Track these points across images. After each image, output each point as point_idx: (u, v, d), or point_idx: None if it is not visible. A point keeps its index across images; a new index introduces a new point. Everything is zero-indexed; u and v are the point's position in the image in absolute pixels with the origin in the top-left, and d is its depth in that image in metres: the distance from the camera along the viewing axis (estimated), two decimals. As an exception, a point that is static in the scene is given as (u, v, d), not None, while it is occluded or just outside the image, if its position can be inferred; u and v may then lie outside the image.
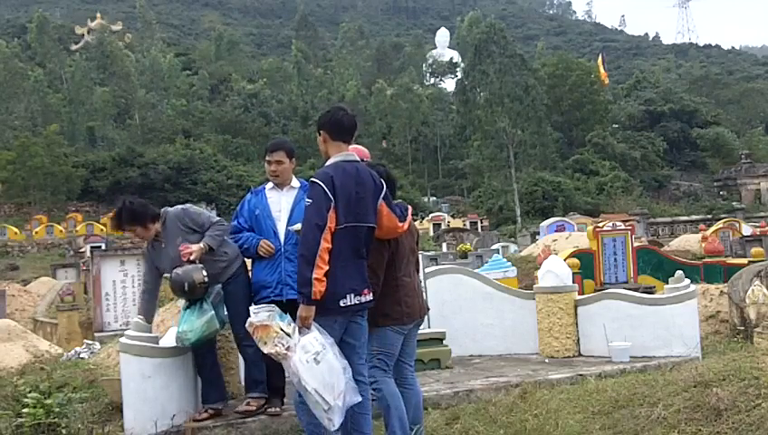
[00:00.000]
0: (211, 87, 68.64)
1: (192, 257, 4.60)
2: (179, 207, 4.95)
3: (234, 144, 57.40)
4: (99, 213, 47.23)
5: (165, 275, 4.91)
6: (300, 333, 3.69)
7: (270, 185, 4.95)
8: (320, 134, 4.00)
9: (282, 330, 3.70)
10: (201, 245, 4.67)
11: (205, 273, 4.60)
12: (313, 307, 3.65)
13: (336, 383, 3.65)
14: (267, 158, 4.87)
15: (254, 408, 4.75)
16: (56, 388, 5.38)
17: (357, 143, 4.28)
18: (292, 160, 4.90)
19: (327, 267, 3.66)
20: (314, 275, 3.60)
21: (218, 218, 4.90)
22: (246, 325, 3.80)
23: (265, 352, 3.73)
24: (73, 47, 77.67)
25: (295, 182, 4.93)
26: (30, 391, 4.93)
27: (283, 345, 3.66)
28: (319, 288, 3.62)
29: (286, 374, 3.80)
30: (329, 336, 3.71)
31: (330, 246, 3.67)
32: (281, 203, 4.85)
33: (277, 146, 4.93)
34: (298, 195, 4.83)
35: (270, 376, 4.91)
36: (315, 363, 3.62)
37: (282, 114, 63.13)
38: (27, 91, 58.05)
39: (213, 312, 4.71)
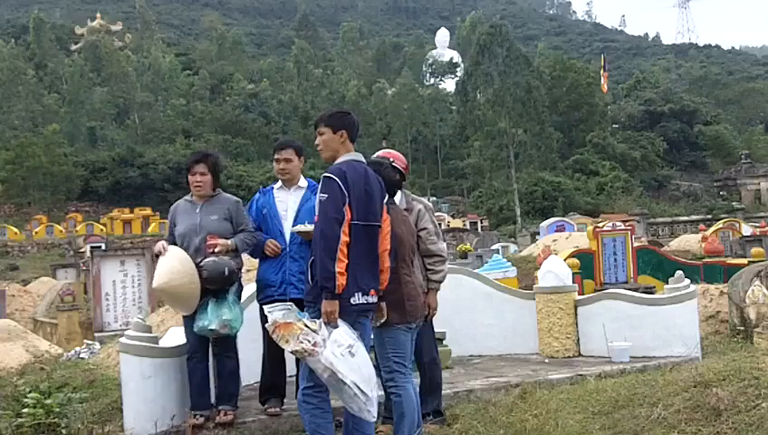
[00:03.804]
0: (211, 87, 68.63)
1: (216, 250, 4.62)
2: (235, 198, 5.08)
3: (234, 144, 57.41)
4: (99, 213, 47.29)
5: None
6: (326, 328, 3.65)
7: (278, 184, 4.97)
8: (330, 133, 3.97)
9: (306, 326, 3.65)
10: (229, 242, 4.69)
11: (235, 262, 4.67)
12: (337, 301, 3.63)
13: (371, 375, 3.67)
14: (276, 156, 4.88)
15: (232, 417, 4.69)
16: (56, 388, 5.38)
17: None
18: (300, 159, 4.92)
19: (347, 261, 3.66)
20: (336, 269, 3.61)
21: (255, 230, 4.88)
22: (267, 325, 3.76)
23: (288, 350, 3.67)
24: (73, 47, 77.72)
25: (303, 182, 4.94)
26: (30, 391, 4.93)
27: (309, 342, 3.58)
28: (341, 281, 3.62)
29: (318, 370, 3.71)
30: (354, 330, 3.71)
31: (348, 239, 3.69)
32: (288, 202, 4.87)
33: (286, 144, 4.96)
34: (305, 195, 4.85)
35: (271, 376, 4.90)
36: (351, 356, 3.59)
37: (282, 114, 63.13)
38: (26, 91, 58.08)
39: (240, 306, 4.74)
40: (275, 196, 4.93)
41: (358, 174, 3.85)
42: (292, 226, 4.73)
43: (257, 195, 5.06)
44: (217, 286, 4.61)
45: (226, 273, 4.59)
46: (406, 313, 4.18)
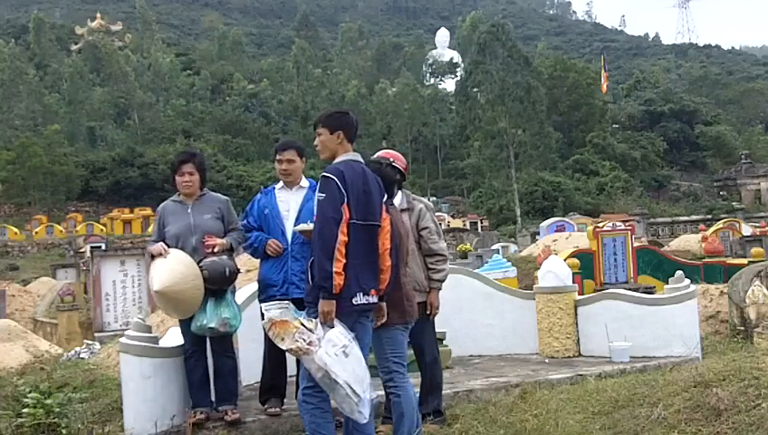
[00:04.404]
0: (211, 87, 68.67)
1: (216, 250, 4.63)
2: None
3: (234, 144, 57.42)
4: (99, 213, 47.32)
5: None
6: (323, 327, 3.65)
7: (280, 184, 4.98)
8: (327, 133, 3.98)
9: (302, 325, 3.64)
10: (225, 241, 4.71)
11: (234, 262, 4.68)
12: (334, 301, 3.63)
13: (364, 376, 3.67)
14: (278, 157, 4.89)
15: (238, 416, 4.69)
16: (56, 388, 5.38)
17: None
18: (302, 159, 4.93)
19: (345, 260, 3.66)
20: (334, 269, 3.60)
21: (241, 228, 4.93)
22: (264, 322, 3.76)
23: (284, 348, 3.67)
24: (73, 47, 77.76)
25: (304, 182, 4.95)
26: (30, 391, 4.93)
27: (305, 340, 3.58)
28: (338, 281, 3.62)
29: (312, 370, 3.70)
30: (350, 331, 3.71)
31: (346, 239, 3.69)
32: (289, 203, 4.87)
33: (288, 145, 4.97)
34: (306, 194, 4.85)
35: (272, 376, 4.89)
36: (344, 356, 3.59)
37: (282, 114, 63.14)
38: (27, 91, 58.11)
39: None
40: (277, 196, 4.93)
41: (356, 173, 3.85)
42: (294, 225, 4.73)
43: (259, 195, 5.06)
44: (217, 286, 4.61)
45: (227, 273, 4.60)
46: (405, 313, 4.20)
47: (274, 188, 5.00)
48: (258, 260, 5.01)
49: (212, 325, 4.55)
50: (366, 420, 3.71)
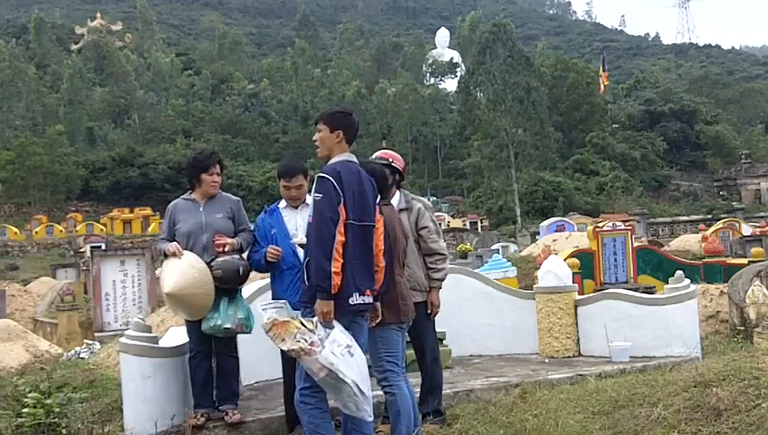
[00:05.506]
0: (211, 87, 68.71)
1: (226, 249, 4.63)
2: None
3: (234, 144, 57.46)
4: (99, 213, 47.32)
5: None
6: (322, 328, 3.64)
7: (283, 203, 4.90)
8: (327, 131, 3.97)
9: (303, 325, 3.64)
10: (235, 241, 4.72)
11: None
12: (332, 302, 3.63)
13: (367, 374, 3.70)
14: (285, 183, 4.80)
15: (240, 417, 4.69)
16: (56, 388, 5.37)
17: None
18: (307, 179, 4.87)
19: (342, 260, 3.67)
20: (333, 269, 3.60)
21: (251, 229, 4.93)
22: (264, 323, 3.75)
23: (284, 349, 3.65)
24: (73, 47, 77.80)
25: (309, 199, 4.90)
26: (30, 391, 4.92)
27: (306, 341, 3.57)
28: (336, 281, 3.62)
29: (314, 370, 3.67)
30: (349, 330, 3.72)
31: (343, 239, 3.69)
32: (296, 221, 4.81)
33: (295, 170, 4.84)
34: None
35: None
36: (350, 356, 3.60)
37: (282, 114, 63.15)
38: (27, 91, 58.13)
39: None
40: (283, 215, 4.85)
41: (352, 174, 3.85)
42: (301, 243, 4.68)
43: (262, 214, 4.97)
44: (230, 286, 4.62)
45: (241, 272, 4.61)
46: (399, 312, 4.21)
47: (278, 207, 4.91)
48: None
49: (228, 326, 4.55)
50: (371, 418, 3.74)
